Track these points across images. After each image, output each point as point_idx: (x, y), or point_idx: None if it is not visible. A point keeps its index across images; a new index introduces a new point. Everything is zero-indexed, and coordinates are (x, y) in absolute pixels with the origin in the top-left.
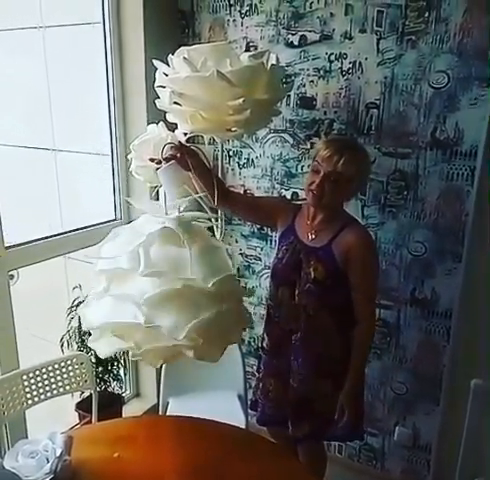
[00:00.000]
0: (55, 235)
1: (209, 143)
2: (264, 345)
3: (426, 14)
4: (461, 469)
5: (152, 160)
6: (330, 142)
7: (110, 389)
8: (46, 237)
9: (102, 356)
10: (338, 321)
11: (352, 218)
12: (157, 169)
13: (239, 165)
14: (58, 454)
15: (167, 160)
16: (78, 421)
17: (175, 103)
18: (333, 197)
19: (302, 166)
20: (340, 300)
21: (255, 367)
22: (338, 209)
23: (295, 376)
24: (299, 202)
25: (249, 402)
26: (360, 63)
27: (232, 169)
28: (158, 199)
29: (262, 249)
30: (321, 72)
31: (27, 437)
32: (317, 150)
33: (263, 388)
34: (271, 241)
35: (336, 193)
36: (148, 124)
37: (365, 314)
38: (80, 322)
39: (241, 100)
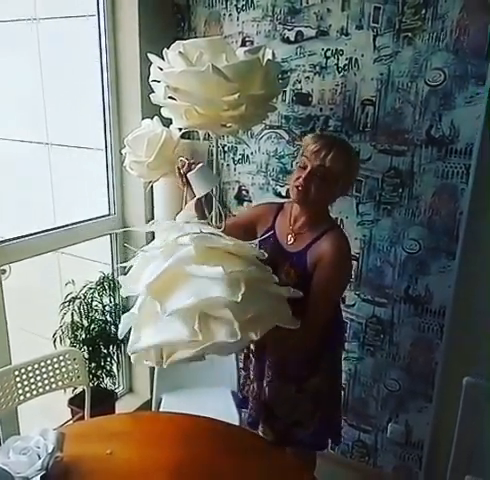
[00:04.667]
0: (48, 230)
1: (204, 138)
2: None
3: (423, 11)
4: (453, 466)
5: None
6: (319, 137)
7: (103, 385)
8: (39, 232)
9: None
10: None
11: (334, 225)
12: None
13: (234, 161)
14: (50, 450)
15: (195, 164)
16: (70, 417)
17: (170, 98)
18: (318, 194)
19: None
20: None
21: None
22: (322, 212)
23: (265, 378)
24: (282, 201)
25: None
26: (356, 60)
27: (227, 165)
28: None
29: None
30: (317, 68)
31: (19, 433)
32: (305, 145)
33: (248, 387)
34: None
35: (321, 190)
36: (143, 119)
37: (309, 322)
38: (73, 317)
39: (236, 95)
